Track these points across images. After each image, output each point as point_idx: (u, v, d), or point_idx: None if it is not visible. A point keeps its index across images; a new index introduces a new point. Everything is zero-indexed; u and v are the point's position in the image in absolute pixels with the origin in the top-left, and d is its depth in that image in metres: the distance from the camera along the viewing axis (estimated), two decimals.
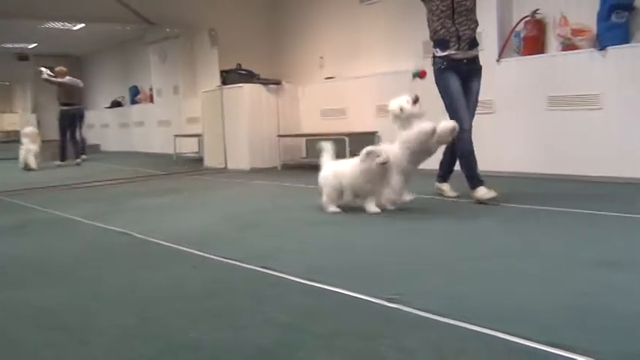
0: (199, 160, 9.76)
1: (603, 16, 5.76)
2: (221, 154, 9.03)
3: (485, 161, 6.69)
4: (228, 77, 8.95)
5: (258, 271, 2.93)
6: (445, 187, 5.18)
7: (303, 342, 2.00)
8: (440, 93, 4.81)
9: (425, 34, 4.97)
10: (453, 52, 4.71)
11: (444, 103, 4.78)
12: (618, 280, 2.57)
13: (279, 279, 2.79)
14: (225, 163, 8.97)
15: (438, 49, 4.77)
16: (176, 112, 11.75)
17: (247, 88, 8.60)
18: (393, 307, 2.32)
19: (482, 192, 4.66)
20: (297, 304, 2.43)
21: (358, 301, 2.44)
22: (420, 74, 4.92)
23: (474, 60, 4.82)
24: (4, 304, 2.67)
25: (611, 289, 2.45)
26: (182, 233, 3.97)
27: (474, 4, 4.77)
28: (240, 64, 9.08)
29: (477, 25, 4.83)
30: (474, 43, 4.78)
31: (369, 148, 4.43)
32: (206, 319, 2.27)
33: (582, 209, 4.27)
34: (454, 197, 5.05)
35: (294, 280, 2.73)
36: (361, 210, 4.54)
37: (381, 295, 2.44)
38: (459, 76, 4.72)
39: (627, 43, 5.68)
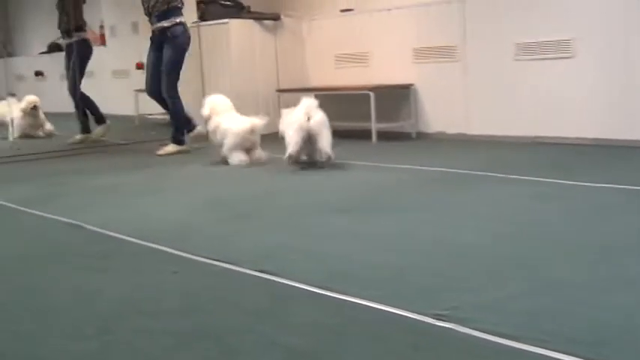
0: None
1: None
2: (200, 115, 7.11)
3: None
4: (208, 10, 7.19)
5: (257, 276, 2.48)
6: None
7: None
8: None
9: None
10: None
11: None
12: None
13: (286, 288, 2.33)
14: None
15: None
16: (137, 58, 9.57)
17: (234, 25, 6.99)
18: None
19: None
20: (310, 321, 2.02)
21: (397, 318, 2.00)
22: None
23: (164, 31, 5.66)
24: None
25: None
26: (150, 225, 3.43)
27: None
28: None
29: None
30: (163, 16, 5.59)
31: None
32: (187, 344, 1.89)
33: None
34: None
35: (306, 290, 2.29)
36: None
37: None
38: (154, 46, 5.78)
39: None
